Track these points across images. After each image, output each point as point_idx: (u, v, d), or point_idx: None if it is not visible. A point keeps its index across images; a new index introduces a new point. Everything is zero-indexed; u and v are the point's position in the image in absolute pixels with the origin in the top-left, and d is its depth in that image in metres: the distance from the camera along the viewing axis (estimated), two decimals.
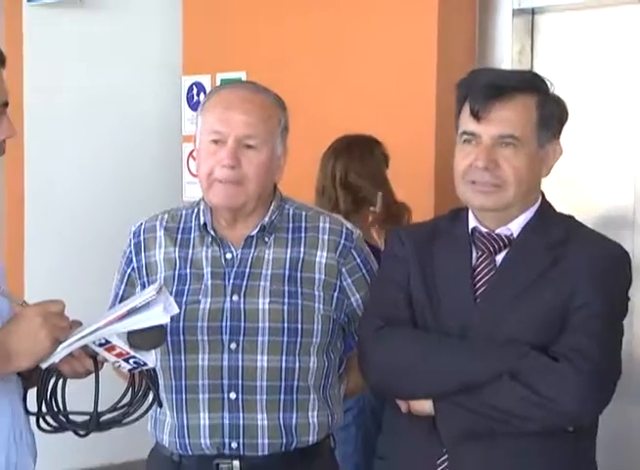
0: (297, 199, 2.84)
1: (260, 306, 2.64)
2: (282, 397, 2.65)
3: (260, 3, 4.71)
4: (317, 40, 4.49)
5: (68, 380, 2.43)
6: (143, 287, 2.73)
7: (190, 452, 2.68)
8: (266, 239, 2.72)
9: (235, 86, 2.89)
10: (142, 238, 2.79)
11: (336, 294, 2.72)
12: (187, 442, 2.67)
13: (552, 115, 2.53)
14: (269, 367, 2.63)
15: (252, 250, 2.71)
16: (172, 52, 5.12)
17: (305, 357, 2.67)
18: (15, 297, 2.43)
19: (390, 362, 2.53)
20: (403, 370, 2.50)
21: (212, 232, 2.71)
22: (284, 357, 2.64)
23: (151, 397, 2.47)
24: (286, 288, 2.67)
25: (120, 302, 2.74)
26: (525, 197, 2.53)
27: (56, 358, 2.33)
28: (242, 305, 2.65)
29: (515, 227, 2.55)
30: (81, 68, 5.14)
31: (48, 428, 2.45)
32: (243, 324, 2.64)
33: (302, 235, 2.74)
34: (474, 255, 2.55)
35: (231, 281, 2.68)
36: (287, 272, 2.69)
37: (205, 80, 5.00)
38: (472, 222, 2.58)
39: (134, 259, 2.78)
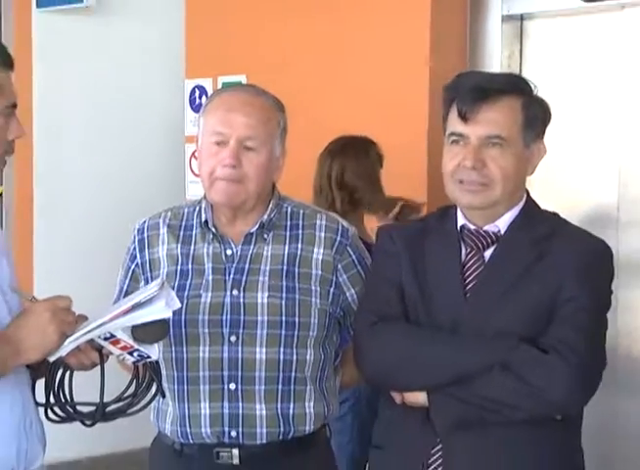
0: (295, 198, 2.84)
1: (259, 301, 2.64)
2: (280, 387, 2.65)
3: (259, 10, 4.71)
4: (314, 45, 4.49)
5: (75, 372, 2.43)
6: (147, 282, 2.73)
7: (191, 441, 2.68)
8: (265, 236, 2.72)
9: (236, 89, 2.89)
10: (145, 235, 2.79)
11: (332, 289, 2.72)
12: (188, 430, 2.67)
13: (536, 116, 2.54)
14: (267, 359, 2.63)
15: (252, 246, 2.71)
16: (175, 57, 5.12)
17: (302, 350, 2.67)
18: (24, 292, 2.43)
19: (385, 356, 2.53)
20: (398, 364, 2.50)
21: (213, 229, 2.72)
22: (282, 350, 2.64)
23: (154, 388, 2.47)
24: (284, 283, 2.67)
25: (125, 296, 2.74)
26: (511, 195, 2.53)
27: (63, 352, 2.34)
28: (241, 300, 2.65)
29: (502, 224, 2.55)
30: (88, 71, 5.14)
31: (56, 418, 2.46)
32: (242, 318, 2.64)
33: (300, 232, 2.74)
34: (463, 251, 2.55)
35: (231, 276, 2.68)
36: (285, 268, 2.69)
37: (207, 83, 5.00)
38: (460, 220, 2.58)
39: (138, 256, 2.78)
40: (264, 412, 2.64)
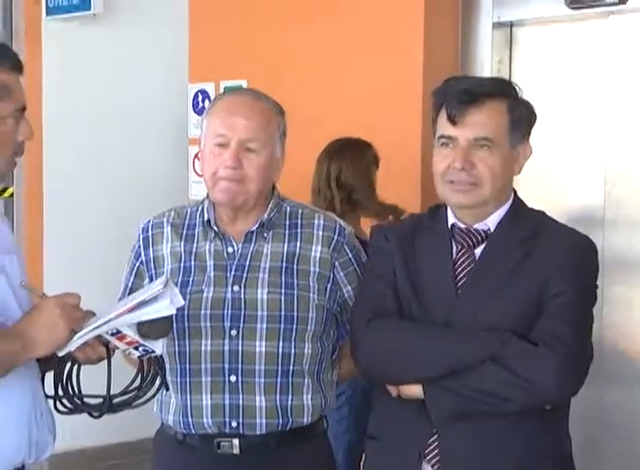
0: (294, 199, 2.84)
1: (259, 296, 2.65)
2: (278, 380, 2.65)
3: (259, 19, 4.72)
4: (311, 51, 4.50)
5: (82, 366, 2.44)
6: (151, 279, 2.74)
7: (193, 431, 2.68)
8: (265, 234, 2.72)
9: (238, 93, 2.90)
10: (150, 234, 2.79)
11: (329, 285, 2.72)
12: (190, 421, 2.67)
13: (522, 117, 2.54)
14: (267, 352, 2.63)
15: (252, 244, 2.71)
16: (179, 62, 5.11)
17: (301, 344, 2.67)
18: (35, 288, 2.44)
19: (381, 351, 2.53)
20: (394, 358, 2.51)
21: (215, 228, 2.72)
22: (280, 343, 2.64)
23: (158, 381, 2.48)
24: (283, 279, 2.67)
25: (129, 293, 2.75)
26: (499, 194, 2.54)
27: (72, 347, 2.34)
28: (242, 295, 2.65)
29: (491, 222, 2.55)
30: (96, 76, 5.15)
31: (64, 410, 2.47)
32: (243, 312, 2.64)
33: (299, 231, 2.74)
34: (454, 249, 2.55)
35: (232, 273, 2.68)
36: (284, 265, 2.69)
37: (210, 88, 4.99)
38: (451, 219, 2.58)
39: (142, 253, 2.79)
40: (264, 404, 2.64)
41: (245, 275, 2.67)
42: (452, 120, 2.48)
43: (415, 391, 2.50)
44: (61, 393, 2.44)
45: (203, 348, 2.65)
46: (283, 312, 2.65)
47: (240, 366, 2.63)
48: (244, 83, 4.68)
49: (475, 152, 2.48)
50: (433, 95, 2.59)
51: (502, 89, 2.56)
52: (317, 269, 2.70)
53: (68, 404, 2.46)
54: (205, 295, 2.66)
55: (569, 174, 3.99)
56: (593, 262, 2.54)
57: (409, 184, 4.09)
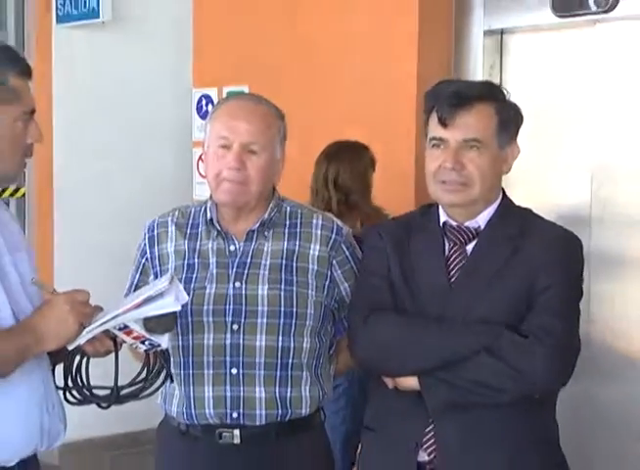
0: (293, 199, 2.85)
1: (260, 292, 2.65)
2: (278, 372, 2.65)
3: (259, 26, 4.73)
4: (309, 58, 4.51)
5: (91, 358, 2.45)
6: (156, 276, 2.74)
7: (196, 422, 2.68)
8: (266, 233, 2.72)
9: (239, 98, 2.90)
10: (155, 232, 2.79)
11: (327, 283, 2.72)
12: (193, 412, 2.67)
13: (509, 119, 2.55)
14: (267, 346, 2.63)
15: (253, 243, 2.71)
16: (184, 68, 5.12)
17: (299, 338, 2.67)
18: (46, 285, 2.44)
19: (378, 346, 2.54)
20: (390, 351, 2.51)
21: (218, 227, 2.72)
22: (280, 338, 2.64)
23: (163, 374, 2.48)
24: (282, 276, 2.67)
25: (135, 289, 2.75)
26: (488, 193, 2.54)
27: (81, 341, 2.35)
28: (243, 291, 2.65)
29: (482, 220, 2.56)
30: (104, 81, 5.14)
31: (74, 401, 2.47)
32: (244, 308, 2.64)
33: (298, 230, 2.74)
34: (446, 246, 2.56)
35: (234, 270, 2.68)
36: (284, 262, 2.69)
37: (213, 93, 5.00)
38: (442, 217, 2.59)
39: (148, 251, 2.79)
40: (263, 395, 2.64)
41: (246, 272, 2.68)
42: (443, 123, 2.49)
43: (411, 382, 2.50)
44: (70, 384, 2.45)
45: (205, 342, 2.65)
46: (282, 308, 2.65)
47: (241, 359, 2.63)
48: (245, 89, 4.68)
49: (464, 153, 2.49)
50: (424, 98, 2.60)
51: (490, 92, 2.57)
52: (315, 267, 2.70)
53: (78, 395, 2.46)
54: (207, 291, 2.66)
55: (557, 175, 4.00)
56: (578, 257, 2.55)
57: (404, 185, 4.09)
